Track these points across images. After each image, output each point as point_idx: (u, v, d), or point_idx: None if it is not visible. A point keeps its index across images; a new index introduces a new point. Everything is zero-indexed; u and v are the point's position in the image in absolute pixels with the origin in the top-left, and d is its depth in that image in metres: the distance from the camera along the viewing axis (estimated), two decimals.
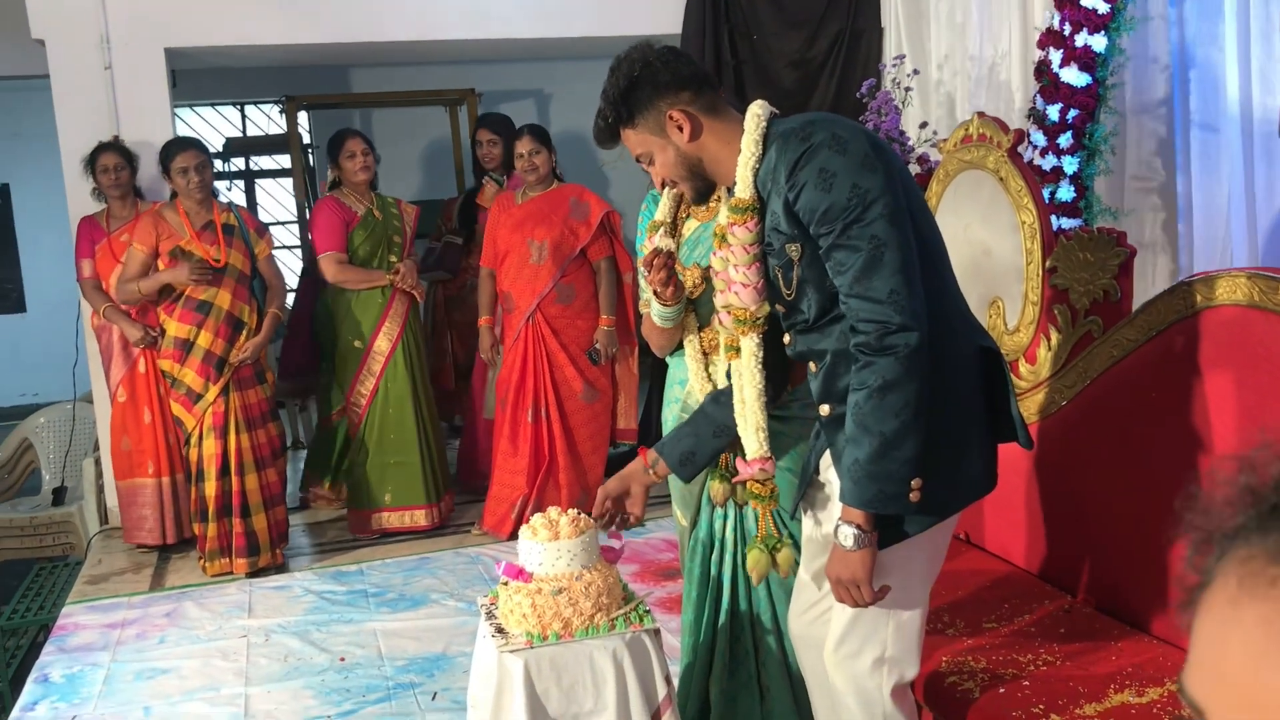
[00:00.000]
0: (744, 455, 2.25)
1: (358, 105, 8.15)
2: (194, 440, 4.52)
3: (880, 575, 2.00)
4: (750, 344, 2.15)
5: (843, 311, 1.98)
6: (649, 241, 2.56)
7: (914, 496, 1.94)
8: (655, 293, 2.53)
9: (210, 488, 4.49)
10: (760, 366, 2.15)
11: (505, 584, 2.42)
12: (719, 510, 2.63)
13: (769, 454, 2.21)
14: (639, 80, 2.07)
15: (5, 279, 10.06)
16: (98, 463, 5.31)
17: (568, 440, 4.86)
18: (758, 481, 2.23)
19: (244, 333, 4.51)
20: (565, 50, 6.75)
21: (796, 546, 2.40)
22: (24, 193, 9.68)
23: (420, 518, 4.99)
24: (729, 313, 2.17)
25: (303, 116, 8.05)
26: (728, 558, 2.65)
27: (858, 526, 1.95)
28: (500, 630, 2.39)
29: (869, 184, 1.91)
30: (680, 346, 2.78)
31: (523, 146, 4.82)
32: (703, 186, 2.15)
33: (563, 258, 4.78)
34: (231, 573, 4.56)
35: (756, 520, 2.33)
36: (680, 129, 2.07)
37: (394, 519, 4.99)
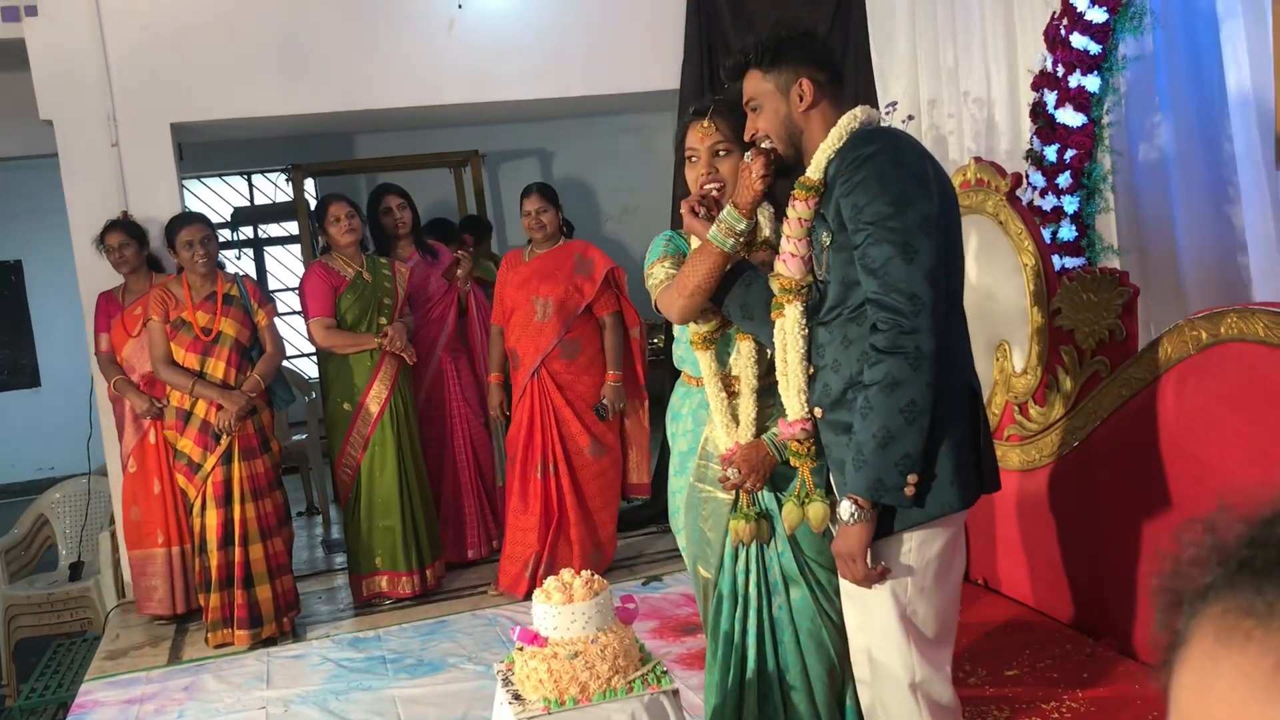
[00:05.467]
0: (785, 416, 2.35)
1: (363, 170, 8.25)
2: (196, 510, 4.52)
3: (874, 560, 2.15)
4: (794, 310, 2.28)
5: (850, 314, 2.14)
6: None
7: (909, 491, 2.08)
8: (741, 192, 2.36)
9: (213, 558, 4.48)
10: (803, 332, 2.28)
11: (520, 649, 2.41)
12: (740, 564, 2.60)
13: (809, 415, 2.30)
14: (795, 40, 2.27)
15: (20, 354, 10.13)
16: (114, 536, 5.31)
17: (577, 496, 4.84)
18: (798, 440, 2.34)
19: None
20: (566, 110, 6.83)
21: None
22: (37, 269, 9.79)
23: (405, 584, 4.94)
24: (778, 281, 2.31)
25: (309, 183, 8.14)
26: (751, 613, 2.61)
27: (855, 503, 2.11)
28: (517, 697, 2.38)
29: (914, 195, 2.07)
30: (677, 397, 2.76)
31: (530, 204, 4.86)
32: (791, 154, 2.29)
33: (567, 314, 4.80)
34: (233, 644, 4.54)
35: (797, 482, 2.42)
36: (801, 98, 2.24)
37: (382, 584, 4.97)
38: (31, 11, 5.11)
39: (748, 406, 2.51)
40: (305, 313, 5.00)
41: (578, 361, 4.83)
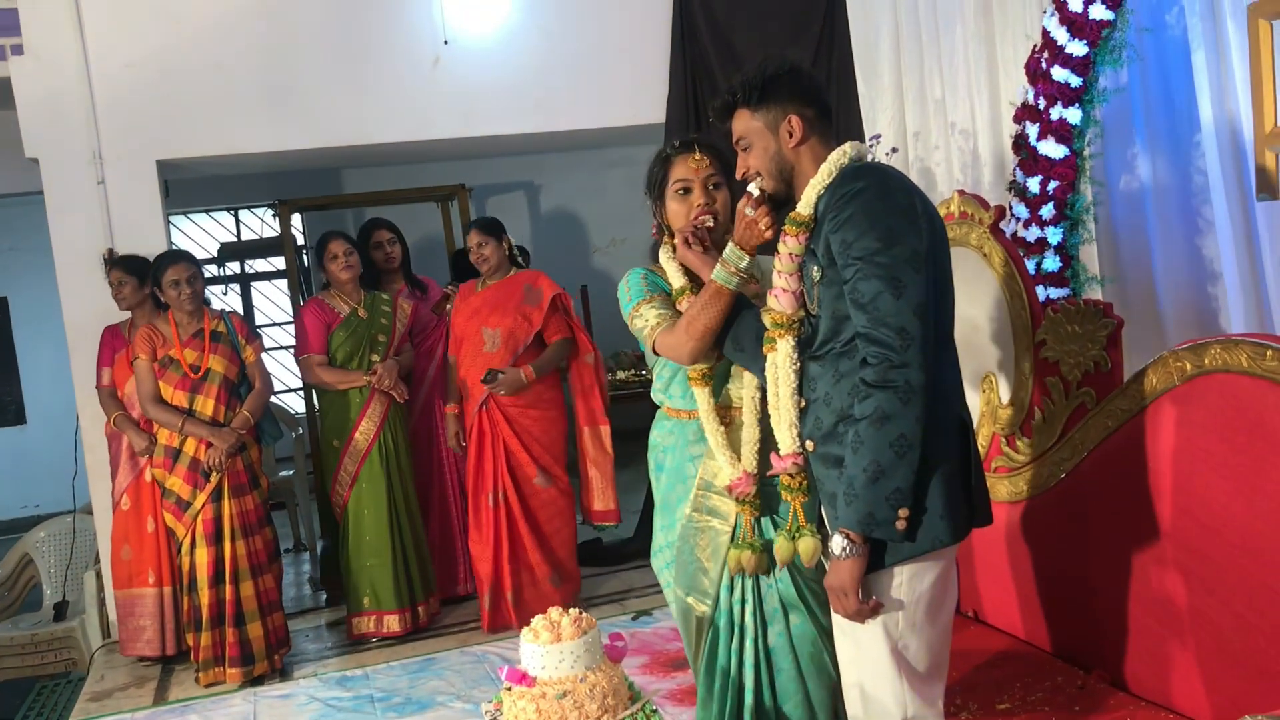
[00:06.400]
0: (778, 451, 2.37)
1: (350, 205, 8.24)
2: (185, 549, 4.49)
3: (866, 594, 2.16)
4: (786, 345, 2.31)
5: (841, 348, 2.16)
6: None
7: (900, 525, 2.08)
8: (745, 236, 2.37)
9: (203, 596, 4.45)
10: (794, 367, 2.30)
11: (509, 689, 2.39)
12: (737, 595, 2.59)
13: (800, 449, 2.32)
14: (782, 77, 2.29)
15: (4, 392, 10.08)
16: (99, 575, 5.27)
17: (530, 522, 4.87)
18: (789, 475, 2.36)
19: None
20: (553, 144, 6.85)
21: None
22: (22, 306, 9.76)
23: (393, 623, 4.91)
24: (770, 315, 2.33)
25: (296, 218, 8.14)
26: (749, 644, 2.59)
27: (847, 537, 2.11)
28: None
29: (902, 230, 2.09)
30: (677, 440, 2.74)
31: (471, 239, 4.93)
32: (782, 190, 2.31)
33: (516, 345, 4.84)
34: (225, 682, 4.49)
35: (787, 516, 2.42)
36: (790, 134, 2.27)
37: (371, 623, 4.94)
38: (17, 50, 5.13)
39: (751, 435, 2.52)
40: (298, 349, 4.99)
41: (526, 394, 4.86)
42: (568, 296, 5.01)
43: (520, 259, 5.08)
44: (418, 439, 5.27)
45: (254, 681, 4.51)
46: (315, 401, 5.04)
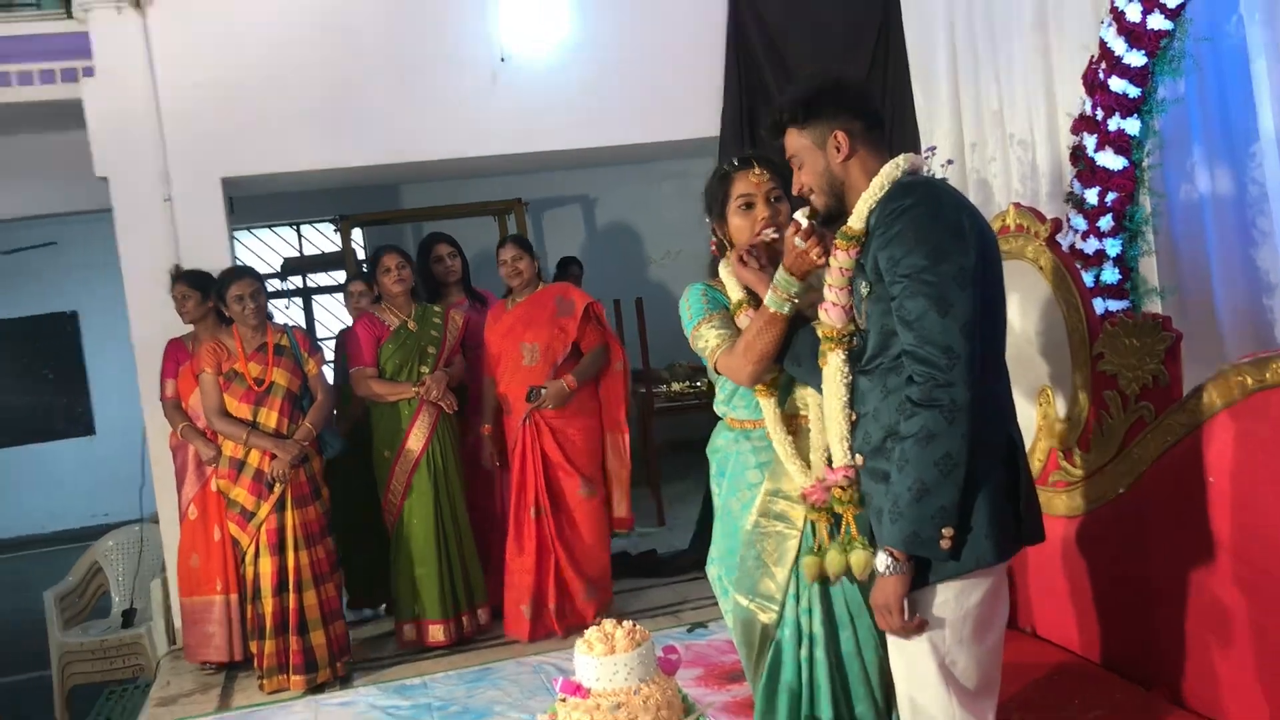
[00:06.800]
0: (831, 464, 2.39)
1: (409, 220, 8.36)
2: (250, 558, 4.59)
3: (911, 612, 2.16)
4: (837, 358, 2.32)
5: (890, 364, 2.16)
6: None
7: (945, 544, 2.08)
8: (796, 264, 2.39)
9: (268, 605, 4.54)
10: (845, 380, 2.31)
11: (564, 700, 2.42)
12: (804, 603, 2.58)
13: (852, 462, 2.33)
14: (826, 92, 2.30)
15: (75, 403, 10.36)
16: (164, 584, 5.39)
17: (571, 536, 4.94)
18: (840, 488, 2.38)
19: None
20: (607, 157, 6.91)
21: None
22: (92, 320, 10.03)
23: (438, 633, 4.97)
24: (820, 329, 2.34)
25: (357, 233, 8.27)
26: (819, 652, 2.57)
27: (891, 555, 2.12)
28: None
29: (950, 248, 2.08)
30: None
31: (506, 254, 5.03)
32: (834, 205, 2.32)
33: (555, 356, 4.92)
34: (288, 689, 4.58)
35: (838, 526, 2.45)
36: (838, 149, 2.28)
37: (415, 632, 5.00)
38: (89, 73, 5.28)
39: (820, 442, 2.51)
40: (350, 361, 5.08)
41: (569, 406, 4.95)
42: (599, 305, 5.11)
43: (576, 271, 5.15)
44: (480, 452, 5.29)
45: (316, 689, 4.59)
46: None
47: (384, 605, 5.60)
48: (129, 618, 5.68)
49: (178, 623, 5.23)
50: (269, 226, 9.50)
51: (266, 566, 4.54)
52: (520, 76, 5.67)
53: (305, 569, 4.57)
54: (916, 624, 2.16)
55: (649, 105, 5.83)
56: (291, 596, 4.55)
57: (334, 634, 4.67)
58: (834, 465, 2.37)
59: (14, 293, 10.05)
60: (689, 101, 5.84)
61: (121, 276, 5.33)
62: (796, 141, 2.33)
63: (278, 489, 4.55)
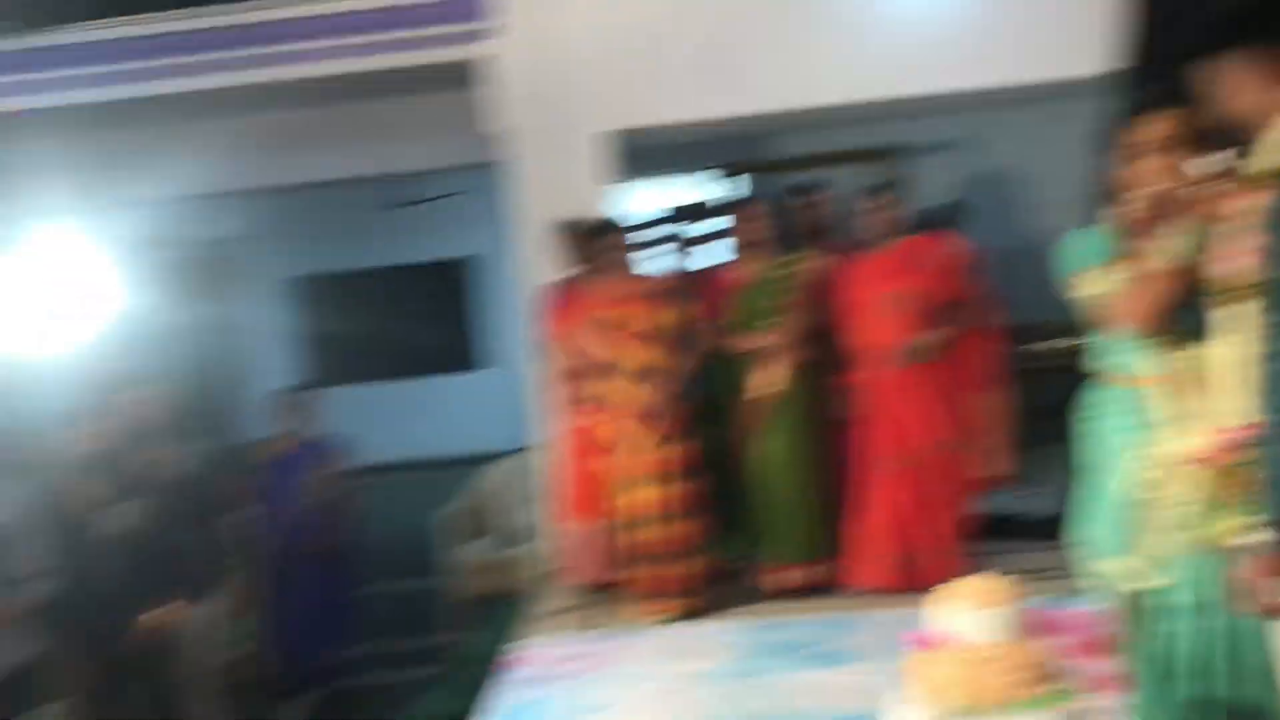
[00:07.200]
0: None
1: (790, 169, 8.39)
2: (630, 488, 4.86)
3: None
4: (1231, 315, 2.15)
5: None
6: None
7: None
8: (1190, 215, 2.32)
9: (647, 533, 4.82)
10: (1240, 338, 2.11)
11: (922, 651, 2.40)
12: (1200, 572, 2.40)
13: (1244, 425, 2.14)
14: (1232, 20, 2.10)
15: (468, 341, 11.39)
16: (545, 509, 5.82)
17: (935, 490, 4.85)
18: (1238, 450, 2.20)
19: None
20: (986, 100, 6.64)
21: None
22: (483, 265, 11.00)
23: (798, 577, 5.02)
24: (1216, 283, 2.17)
25: (737, 182, 8.41)
26: (1218, 623, 2.39)
27: (1270, 529, 1.96)
28: (916, 699, 2.37)
29: None
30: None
31: (872, 202, 4.97)
32: (1238, 144, 2.16)
33: (921, 308, 4.80)
34: (662, 614, 4.84)
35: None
36: (1246, 82, 2.06)
37: (773, 579, 5.07)
38: (497, 33, 5.67)
39: (1213, 406, 2.33)
40: (707, 310, 5.21)
41: (934, 360, 4.82)
42: (971, 257, 4.92)
43: (949, 220, 5.01)
44: (841, 401, 5.28)
45: (686, 616, 4.84)
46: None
47: (739, 551, 5.74)
48: (513, 538, 6.19)
49: (556, 545, 5.64)
50: (653, 176, 9.89)
51: (647, 495, 4.81)
52: (892, 19, 5.62)
53: (684, 501, 4.82)
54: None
55: (1031, 42, 5.54)
56: (671, 525, 4.80)
57: (705, 566, 4.91)
58: (1231, 426, 2.19)
59: (418, 240, 11.11)
60: (1075, 38, 5.45)
61: (512, 225, 5.74)
62: (1200, 75, 2.13)
63: (663, 423, 4.77)
